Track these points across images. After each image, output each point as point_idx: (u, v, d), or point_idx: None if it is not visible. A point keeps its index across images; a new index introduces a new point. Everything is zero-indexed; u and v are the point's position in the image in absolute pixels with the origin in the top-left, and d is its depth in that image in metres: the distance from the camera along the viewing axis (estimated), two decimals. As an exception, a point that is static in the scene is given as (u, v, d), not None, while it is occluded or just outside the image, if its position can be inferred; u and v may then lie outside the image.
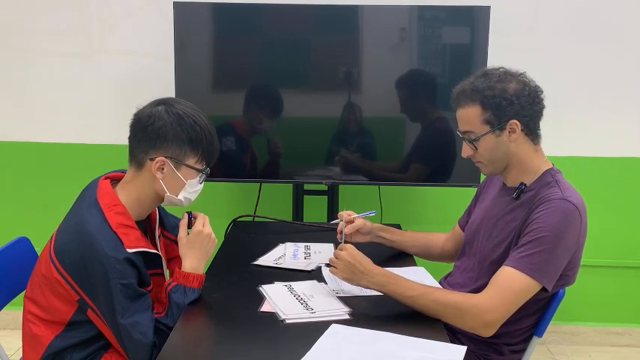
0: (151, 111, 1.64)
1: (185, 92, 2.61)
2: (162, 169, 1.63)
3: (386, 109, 2.72)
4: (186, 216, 1.75)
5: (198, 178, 1.69)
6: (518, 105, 1.67)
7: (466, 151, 1.78)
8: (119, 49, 2.96)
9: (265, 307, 1.64)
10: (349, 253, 1.69)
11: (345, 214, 2.04)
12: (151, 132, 1.62)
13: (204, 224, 1.73)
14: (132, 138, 1.66)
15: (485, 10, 2.60)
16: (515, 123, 1.68)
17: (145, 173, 1.65)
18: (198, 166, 1.67)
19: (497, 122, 1.68)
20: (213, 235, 1.74)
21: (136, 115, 1.67)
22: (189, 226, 1.74)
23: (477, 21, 2.63)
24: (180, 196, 1.68)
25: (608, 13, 2.87)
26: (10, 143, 3.08)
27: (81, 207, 1.62)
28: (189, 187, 1.68)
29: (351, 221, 2.03)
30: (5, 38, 2.99)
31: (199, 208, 1.83)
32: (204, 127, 1.64)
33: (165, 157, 1.62)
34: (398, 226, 2.42)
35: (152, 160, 1.62)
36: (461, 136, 1.77)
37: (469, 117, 1.72)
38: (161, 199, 1.69)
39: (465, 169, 2.54)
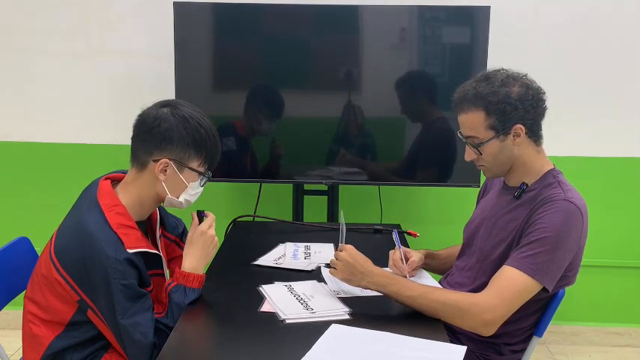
0: (157, 113, 1.64)
1: (185, 92, 2.61)
2: (165, 170, 1.63)
3: (386, 109, 2.72)
4: (196, 216, 1.75)
5: (199, 180, 1.69)
6: (523, 109, 1.66)
7: (469, 155, 1.76)
8: (119, 49, 2.96)
9: (265, 307, 1.64)
10: (349, 254, 1.69)
11: (396, 257, 1.89)
12: (156, 133, 1.62)
13: (210, 226, 1.74)
14: (135, 139, 1.66)
15: (485, 10, 2.60)
16: (519, 127, 1.67)
17: (147, 174, 1.65)
18: (201, 169, 1.68)
19: (501, 128, 1.67)
20: (216, 239, 1.75)
21: (140, 116, 1.67)
22: (200, 223, 1.74)
23: (476, 21, 2.63)
24: (181, 198, 1.68)
25: (607, 13, 2.87)
26: (10, 143, 3.08)
27: (81, 207, 1.62)
28: (191, 190, 1.68)
29: (406, 259, 1.90)
30: (5, 38, 2.99)
31: (200, 208, 1.83)
32: (208, 131, 1.65)
33: (169, 159, 1.62)
34: (398, 226, 2.42)
35: (155, 161, 1.63)
36: (464, 140, 1.76)
37: (473, 122, 1.70)
38: (161, 199, 1.70)
39: (466, 169, 2.54)
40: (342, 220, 1.90)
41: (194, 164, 1.66)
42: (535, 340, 1.79)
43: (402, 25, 2.67)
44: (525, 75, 1.72)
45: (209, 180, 1.73)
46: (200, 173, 1.68)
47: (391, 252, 1.93)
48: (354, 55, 2.69)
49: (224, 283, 1.83)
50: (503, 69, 1.73)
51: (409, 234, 2.37)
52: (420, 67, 2.70)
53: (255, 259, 2.03)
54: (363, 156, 2.79)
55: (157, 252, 1.70)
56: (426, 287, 1.67)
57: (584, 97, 2.94)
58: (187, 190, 1.68)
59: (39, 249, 1.77)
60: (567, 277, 1.70)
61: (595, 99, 2.94)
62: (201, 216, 1.76)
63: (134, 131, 1.67)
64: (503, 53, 2.67)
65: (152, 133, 1.62)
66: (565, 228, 1.61)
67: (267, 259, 2.04)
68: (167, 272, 1.78)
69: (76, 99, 3.01)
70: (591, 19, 2.88)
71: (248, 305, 1.66)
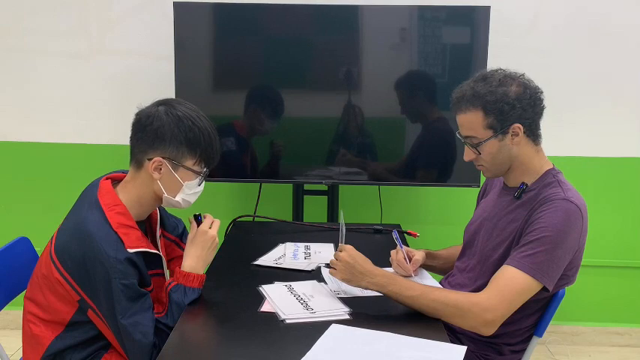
0: (151, 111, 1.64)
1: (185, 92, 2.61)
2: (160, 169, 1.63)
3: (386, 109, 2.72)
4: (193, 220, 1.74)
5: (196, 180, 1.68)
6: (520, 109, 1.66)
7: (468, 155, 1.77)
8: (119, 49, 2.96)
9: (265, 307, 1.64)
10: (349, 254, 1.69)
11: (400, 258, 1.90)
12: (149, 132, 1.62)
13: (211, 226, 1.74)
14: (132, 137, 1.67)
15: (485, 10, 2.60)
16: (518, 127, 1.68)
17: (143, 173, 1.65)
18: (196, 168, 1.67)
19: (499, 127, 1.68)
20: (217, 240, 1.74)
21: (137, 114, 1.67)
22: (198, 226, 1.74)
23: (477, 21, 2.63)
24: (178, 198, 1.68)
25: (607, 13, 2.87)
26: (10, 143, 3.08)
27: (82, 207, 1.62)
28: (187, 189, 1.68)
29: (409, 258, 1.91)
30: (5, 38, 2.99)
31: (200, 208, 1.83)
32: (203, 129, 1.64)
33: (163, 158, 1.62)
34: (398, 226, 2.42)
35: (150, 160, 1.63)
36: (462, 140, 1.77)
37: (471, 122, 1.70)
38: (160, 199, 1.69)
39: (465, 169, 2.54)
40: (342, 220, 1.89)
41: (189, 163, 1.65)
42: (535, 340, 1.79)
43: (402, 25, 2.67)
44: (523, 75, 1.72)
45: (207, 177, 1.72)
46: (195, 172, 1.67)
47: (393, 252, 1.93)
48: (354, 55, 2.69)
49: (224, 283, 1.83)
50: (500, 69, 1.74)
51: (409, 234, 2.37)
52: (420, 67, 2.70)
53: (255, 259, 2.03)
54: (363, 156, 2.79)
55: (157, 252, 1.70)
56: (426, 287, 1.67)
57: (583, 97, 2.94)
58: (183, 189, 1.67)
59: (39, 249, 1.77)
60: (567, 276, 1.70)
61: (595, 99, 2.94)
62: (198, 220, 1.75)
63: (132, 130, 1.67)
64: (503, 53, 2.67)
65: (146, 132, 1.62)
66: (565, 227, 1.61)
67: (267, 259, 2.04)
68: (167, 272, 1.78)
69: (75, 99, 3.01)
70: (591, 19, 2.88)
71: (248, 305, 1.66)
